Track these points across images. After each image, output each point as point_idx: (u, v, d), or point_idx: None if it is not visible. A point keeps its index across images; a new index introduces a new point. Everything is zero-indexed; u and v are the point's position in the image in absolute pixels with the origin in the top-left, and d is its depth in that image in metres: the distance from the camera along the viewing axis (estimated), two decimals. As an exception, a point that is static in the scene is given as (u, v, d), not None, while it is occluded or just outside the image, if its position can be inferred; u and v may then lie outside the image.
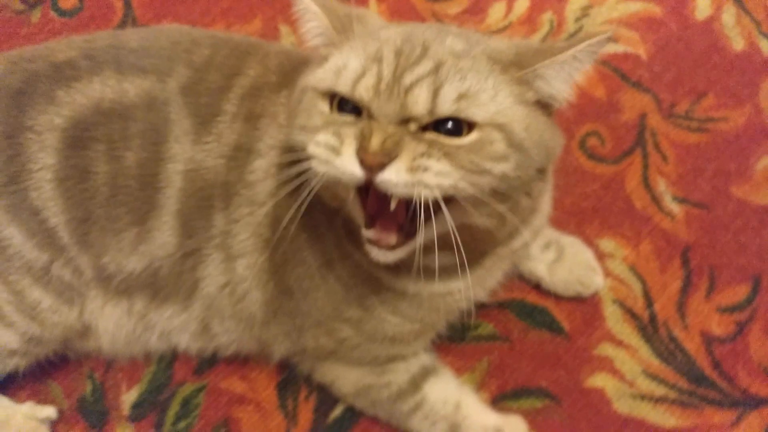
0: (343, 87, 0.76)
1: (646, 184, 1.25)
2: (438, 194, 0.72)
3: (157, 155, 0.92)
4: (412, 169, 0.71)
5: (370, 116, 0.74)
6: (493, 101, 0.75)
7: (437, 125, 0.74)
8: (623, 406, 1.09)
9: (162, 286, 0.98)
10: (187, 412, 1.09)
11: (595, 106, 1.32)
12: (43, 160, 0.92)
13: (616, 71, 1.35)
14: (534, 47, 0.80)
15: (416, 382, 1.02)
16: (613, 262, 1.19)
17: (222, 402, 1.10)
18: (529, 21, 1.42)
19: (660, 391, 1.10)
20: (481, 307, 1.09)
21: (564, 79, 0.78)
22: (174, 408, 1.10)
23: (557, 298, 1.16)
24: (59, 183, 0.92)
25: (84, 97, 0.92)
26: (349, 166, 0.72)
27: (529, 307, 1.16)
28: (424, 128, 0.74)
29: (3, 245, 0.94)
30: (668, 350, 1.13)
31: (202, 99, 0.94)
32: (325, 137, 0.74)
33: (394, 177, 0.71)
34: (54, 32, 1.40)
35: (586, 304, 1.16)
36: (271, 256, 0.95)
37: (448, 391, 1.03)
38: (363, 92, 0.74)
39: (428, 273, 0.86)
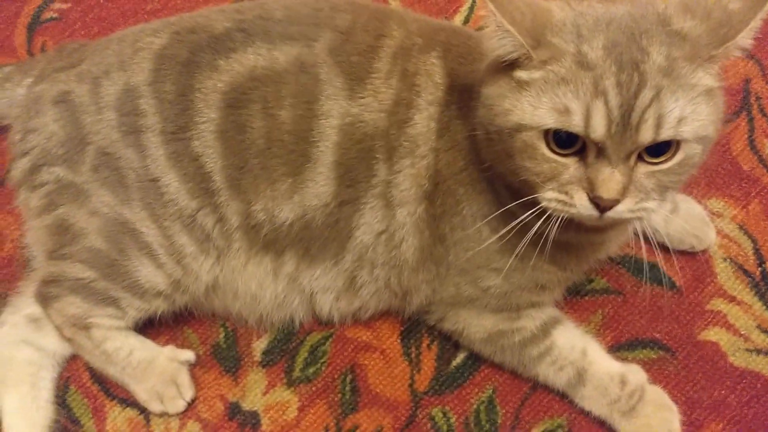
0: (575, 128, 0.77)
1: (753, 147, 1.23)
2: (650, 216, 0.84)
3: (310, 113, 0.96)
4: (635, 210, 0.81)
5: (600, 152, 0.78)
6: (696, 115, 0.77)
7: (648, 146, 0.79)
8: (739, 359, 1.08)
9: (314, 239, 1.00)
10: (315, 359, 1.12)
11: (698, 73, 1.30)
12: (208, 114, 0.97)
13: None
14: (716, 18, 0.79)
15: (546, 329, 1.03)
16: (722, 221, 1.18)
17: (348, 349, 1.12)
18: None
19: (775, 345, 1.08)
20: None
21: (749, 37, 0.80)
22: (302, 355, 1.12)
23: (667, 254, 1.14)
24: (220, 134, 0.97)
25: (240, 66, 0.97)
26: (585, 212, 0.81)
27: (640, 263, 1.15)
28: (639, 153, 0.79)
29: (162, 191, 0.98)
30: (782, 306, 1.11)
31: (353, 58, 0.97)
32: (554, 195, 0.82)
33: (621, 215, 0.81)
34: (176, 8, 1.44)
35: (696, 261, 1.15)
36: (429, 206, 0.98)
37: (575, 339, 1.04)
38: (597, 134, 0.77)
39: (587, 226, 0.89)
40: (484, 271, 0.99)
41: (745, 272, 1.14)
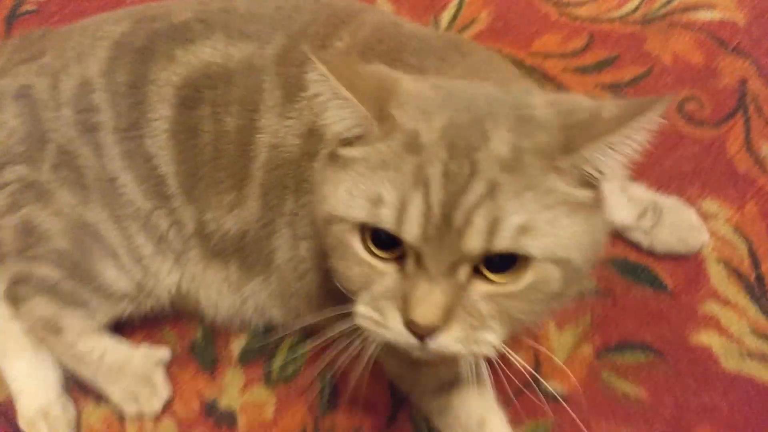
0: (385, 224, 0.61)
1: (749, 147, 1.19)
2: (492, 352, 0.66)
3: (251, 123, 0.90)
4: (465, 340, 0.63)
5: (419, 260, 0.62)
6: (552, 228, 0.60)
7: (486, 258, 0.62)
8: (731, 364, 1.03)
9: (249, 252, 0.97)
10: (294, 358, 1.08)
11: (692, 72, 1.26)
12: (161, 111, 0.92)
13: (713, 38, 1.30)
14: (578, 117, 0.62)
15: (445, 388, 0.95)
16: (717, 223, 1.13)
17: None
18: (625, -12, 1.38)
19: (769, 349, 1.04)
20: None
21: (614, 158, 0.61)
22: (282, 353, 1.09)
23: (658, 257, 1.11)
24: (172, 135, 0.92)
25: (196, 59, 0.92)
26: (400, 338, 0.64)
27: (631, 265, 1.11)
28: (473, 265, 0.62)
29: (119, 192, 0.95)
30: (777, 310, 1.07)
31: (292, 70, 0.88)
32: (366, 311, 0.66)
33: (446, 348, 0.63)
34: None
35: (688, 263, 1.11)
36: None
37: (476, 406, 0.95)
38: (411, 234, 0.60)
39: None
40: None
41: (740, 275, 1.09)
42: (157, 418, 1.05)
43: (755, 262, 1.10)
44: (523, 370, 1.02)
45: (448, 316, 0.61)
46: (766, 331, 1.05)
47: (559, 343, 1.06)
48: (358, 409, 1.04)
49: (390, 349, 0.89)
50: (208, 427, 1.04)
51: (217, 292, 1.02)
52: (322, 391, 1.05)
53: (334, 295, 0.76)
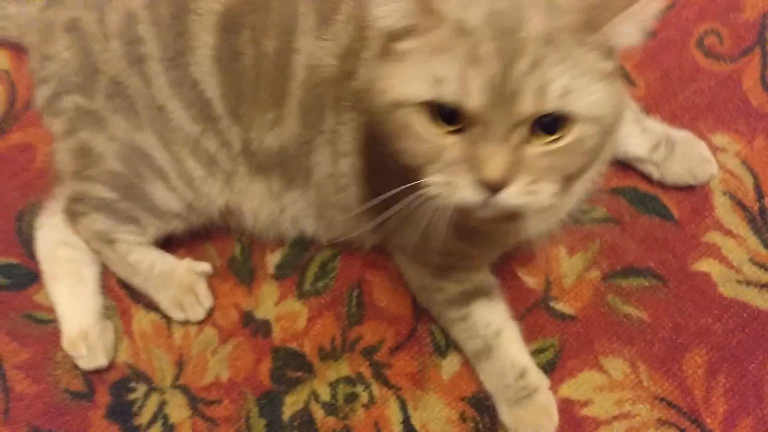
0: (449, 98, 0.70)
1: (764, 82, 1.22)
2: (549, 200, 0.74)
3: (288, 45, 0.95)
4: (527, 192, 0.72)
5: (482, 127, 0.70)
6: (587, 91, 0.70)
7: (536, 120, 0.71)
8: (728, 289, 1.11)
9: (289, 167, 1.04)
10: (324, 274, 1.17)
11: (714, 4, 1.28)
12: (204, 38, 0.97)
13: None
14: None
15: (467, 298, 1.05)
16: (726, 156, 1.18)
17: (356, 266, 1.17)
18: None
19: (766, 278, 1.11)
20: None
21: (636, 30, 0.72)
22: (313, 269, 1.18)
23: (667, 187, 1.17)
24: (216, 60, 0.98)
25: None
26: (469, 198, 0.72)
27: (640, 194, 1.17)
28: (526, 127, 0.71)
29: (168, 117, 1.01)
30: (776, 241, 1.13)
31: None
32: (438, 179, 0.73)
33: (511, 199, 0.72)
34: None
35: (695, 194, 1.16)
36: (362, 162, 0.99)
37: (494, 317, 1.05)
38: (474, 103, 0.69)
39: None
40: (406, 227, 0.96)
41: (744, 207, 1.15)
42: (200, 326, 1.15)
43: (759, 195, 1.16)
44: (533, 290, 1.12)
45: (512, 171, 0.70)
46: (764, 260, 1.12)
47: (569, 267, 1.14)
48: (382, 321, 1.14)
49: (417, 257, 1.02)
50: (246, 335, 1.15)
51: (260, 202, 1.10)
52: (350, 304, 1.15)
53: (372, 207, 0.89)
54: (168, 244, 1.18)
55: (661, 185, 1.17)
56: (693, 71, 1.24)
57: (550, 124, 0.71)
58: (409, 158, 0.76)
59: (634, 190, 1.18)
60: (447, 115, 0.72)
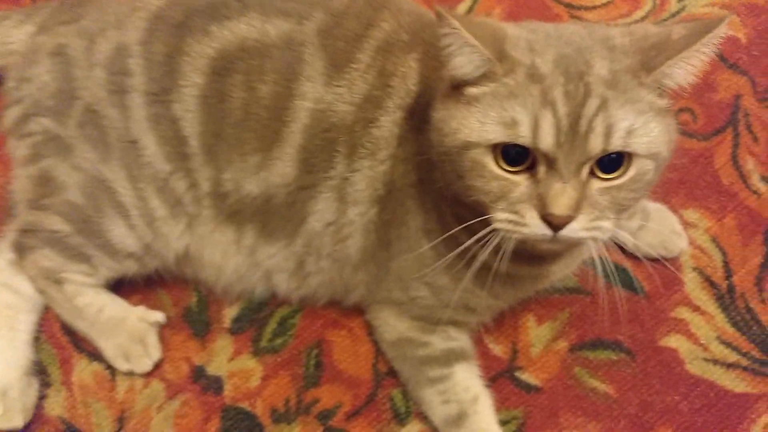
0: (523, 140, 0.74)
1: (735, 162, 1.22)
2: (608, 236, 0.79)
3: (288, 91, 0.94)
4: (590, 228, 0.77)
5: (550, 166, 0.74)
6: (647, 129, 0.75)
7: (599, 159, 0.75)
8: (695, 367, 1.08)
9: (272, 216, 0.99)
10: (283, 331, 1.11)
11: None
12: (193, 78, 0.95)
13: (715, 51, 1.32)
14: (652, 41, 0.76)
15: (450, 357, 1.02)
16: (696, 232, 1.17)
17: (317, 324, 1.11)
18: (632, -3, 1.39)
19: (732, 357, 1.08)
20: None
21: (689, 71, 0.77)
22: (271, 326, 1.12)
23: (639, 260, 1.14)
24: (201, 99, 0.95)
25: (232, 35, 0.95)
26: (538, 231, 0.77)
27: (611, 266, 1.14)
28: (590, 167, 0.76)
29: (140, 152, 0.97)
30: (744, 320, 1.11)
31: (338, 44, 0.94)
32: (505, 215, 0.78)
33: (574, 234, 0.76)
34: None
35: (665, 269, 1.14)
36: (381, 211, 0.96)
37: (473, 382, 1.02)
38: (545, 144, 0.73)
39: (531, 257, 0.87)
40: (416, 282, 0.98)
41: (712, 284, 1.14)
42: (147, 379, 1.08)
43: (728, 273, 1.14)
44: (499, 358, 1.08)
45: (577, 208, 0.75)
46: (731, 339, 1.09)
47: (536, 336, 1.10)
48: (340, 384, 1.07)
49: (408, 310, 1.02)
50: (195, 391, 1.07)
51: (223, 254, 1.04)
52: (308, 364, 1.09)
53: (374, 255, 0.98)
54: (121, 288, 1.11)
55: (632, 257, 1.14)
56: (665, 146, 1.24)
57: (612, 161, 0.76)
58: (478, 195, 0.79)
59: (606, 261, 1.15)
60: (517, 155, 0.76)
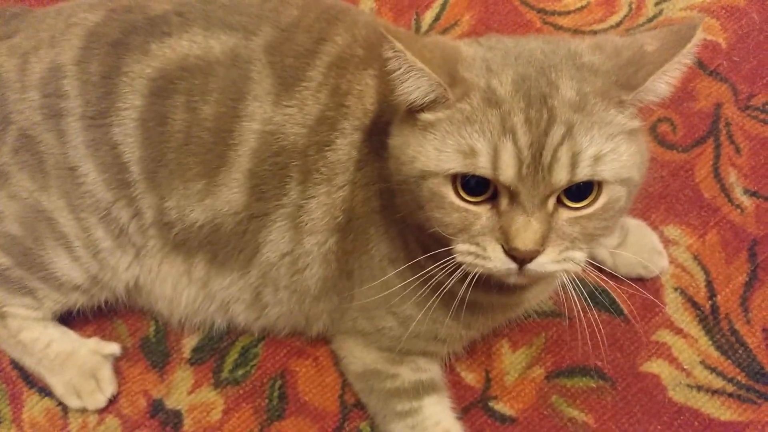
0: (482, 171, 0.68)
1: (717, 174, 1.16)
2: (580, 268, 0.73)
3: (233, 111, 0.86)
4: (559, 260, 0.71)
5: (513, 198, 0.68)
6: (616, 154, 0.68)
7: (566, 189, 0.69)
8: (678, 394, 1.01)
9: (222, 246, 0.92)
10: (245, 361, 1.04)
11: (669, 92, 1.22)
12: (132, 101, 0.87)
13: (693, 58, 1.25)
14: (626, 56, 0.70)
15: (420, 390, 0.95)
16: (677, 250, 1.10)
17: (280, 354, 1.05)
18: (607, 2, 1.32)
19: (717, 383, 1.01)
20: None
21: (669, 84, 0.71)
22: (233, 356, 1.05)
23: (618, 281, 1.07)
24: (141, 123, 0.87)
25: (173, 53, 0.87)
26: (501, 266, 0.71)
27: (589, 288, 1.08)
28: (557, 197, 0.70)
29: (79, 181, 0.90)
30: (728, 343, 1.04)
31: (287, 60, 0.86)
32: (466, 247, 0.72)
33: (542, 268, 0.71)
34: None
35: (646, 289, 1.08)
36: (341, 239, 0.89)
37: (444, 416, 0.95)
38: (506, 176, 0.67)
39: (502, 285, 0.80)
40: (382, 312, 0.91)
41: (695, 305, 1.07)
42: (101, 415, 1.01)
43: (711, 293, 1.08)
44: (472, 387, 1.01)
45: (543, 240, 0.69)
46: (716, 363, 1.03)
47: (511, 363, 1.04)
48: (305, 417, 1.01)
49: (376, 341, 0.94)
50: (153, 426, 1.00)
51: (174, 286, 0.97)
52: (271, 396, 1.02)
53: (336, 285, 0.91)
54: (74, 319, 1.04)
55: (611, 278, 1.07)
56: (645, 158, 1.17)
57: (580, 189, 0.70)
58: (439, 227, 0.73)
59: (583, 282, 1.07)
60: (478, 184, 0.70)
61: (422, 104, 0.71)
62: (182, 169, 0.88)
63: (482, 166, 0.67)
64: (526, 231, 0.68)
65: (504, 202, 0.69)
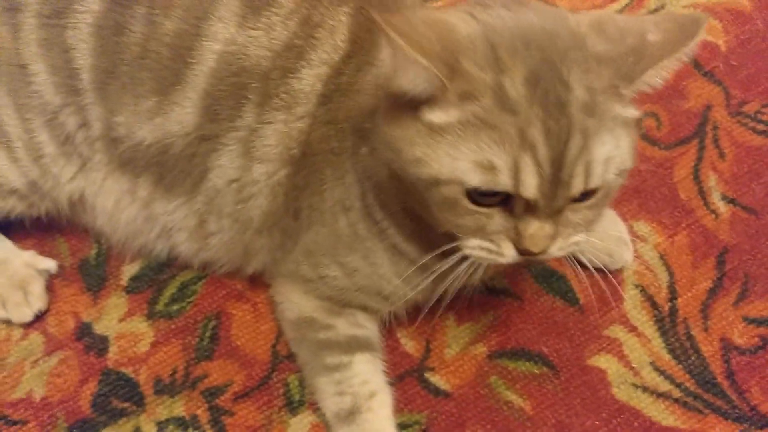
0: (503, 187, 0.65)
1: (696, 176, 1.09)
2: (578, 248, 0.74)
3: (196, 30, 0.81)
4: (565, 248, 0.71)
5: (529, 206, 0.66)
6: (619, 150, 0.66)
7: None
8: (622, 392, 0.94)
9: (170, 168, 0.86)
10: (182, 297, 0.99)
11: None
12: (89, 5, 0.82)
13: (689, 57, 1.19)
14: (629, 44, 0.66)
15: (353, 345, 0.89)
16: (644, 247, 1.04)
17: (219, 295, 0.99)
18: (611, -9, 1.26)
19: (664, 386, 0.95)
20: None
21: (663, 76, 0.68)
22: (170, 290, 0.99)
23: (579, 268, 1.01)
24: (96, 29, 0.82)
25: None
26: (512, 260, 0.71)
27: (547, 272, 1.01)
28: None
29: (28, 80, 0.84)
30: (682, 348, 0.98)
31: None
32: (479, 242, 0.71)
33: (551, 256, 0.71)
34: None
35: (606, 282, 0.99)
36: (292, 174, 0.83)
37: (373, 376, 0.89)
38: (529, 192, 0.64)
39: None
40: (328, 260, 0.85)
41: (654, 304, 1.00)
42: (26, 330, 0.95)
43: (673, 295, 1.01)
44: (410, 356, 0.95)
45: (554, 238, 0.69)
46: (666, 367, 0.96)
47: (453, 336, 0.97)
48: (234, 362, 0.95)
49: (317, 289, 0.89)
50: (77, 349, 0.95)
51: (116, 203, 0.92)
52: (202, 335, 0.96)
53: (280, 221, 0.86)
54: (15, 230, 0.99)
55: (571, 264, 1.01)
56: (626, 152, 1.11)
57: (588, 191, 0.68)
58: (450, 227, 0.71)
59: (542, 265, 1.02)
60: (488, 191, 0.67)
61: (420, 99, 0.65)
62: (134, 84, 0.82)
63: (503, 183, 0.64)
64: (540, 236, 0.68)
65: (519, 208, 0.67)
